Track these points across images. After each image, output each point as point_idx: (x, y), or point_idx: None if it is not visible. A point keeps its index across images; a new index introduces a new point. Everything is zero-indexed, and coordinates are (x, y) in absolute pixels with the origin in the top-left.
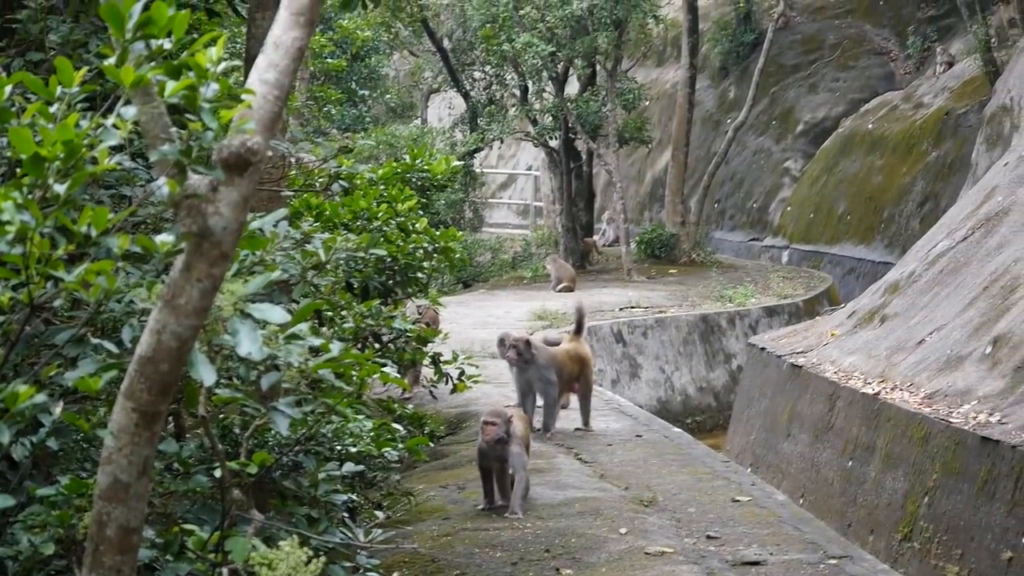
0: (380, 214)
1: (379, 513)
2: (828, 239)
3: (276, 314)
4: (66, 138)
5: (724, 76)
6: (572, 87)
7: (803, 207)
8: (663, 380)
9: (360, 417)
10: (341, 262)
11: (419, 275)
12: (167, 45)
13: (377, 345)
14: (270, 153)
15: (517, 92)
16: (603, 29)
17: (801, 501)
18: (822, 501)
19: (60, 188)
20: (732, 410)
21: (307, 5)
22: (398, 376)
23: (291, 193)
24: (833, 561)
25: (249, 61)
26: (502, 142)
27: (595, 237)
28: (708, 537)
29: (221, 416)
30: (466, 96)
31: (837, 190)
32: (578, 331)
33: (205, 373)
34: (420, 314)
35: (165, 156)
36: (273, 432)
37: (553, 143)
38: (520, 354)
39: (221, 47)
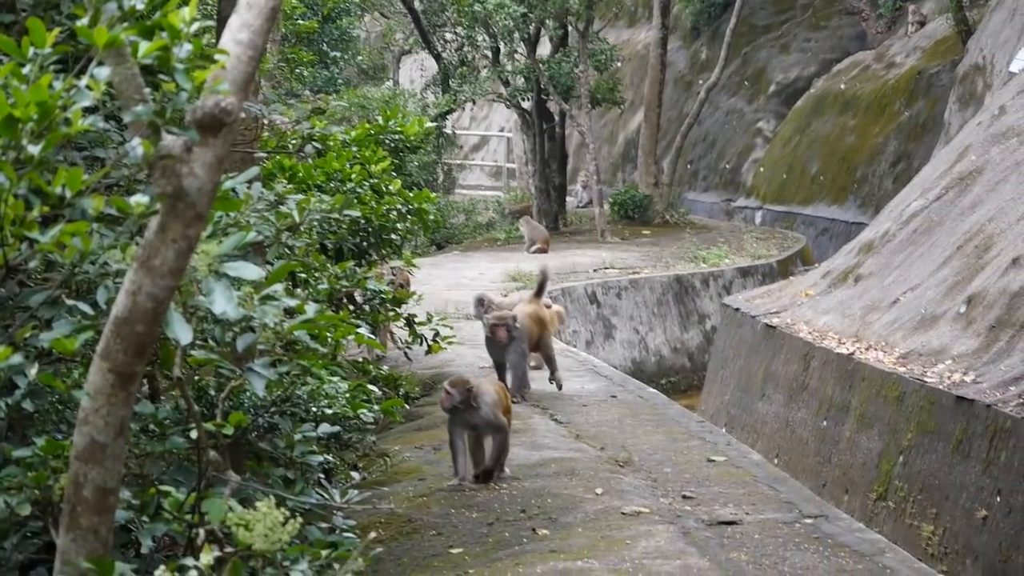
0: (353, 176)
1: (355, 474)
2: (801, 199)
3: (250, 271)
4: (39, 99)
5: (696, 37)
6: (544, 48)
7: (776, 168)
8: (637, 341)
9: (335, 379)
10: (315, 224)
11: (393, 237)
12: (140, 5)
13: (352, 306)
14: (243, 114)
15: (489, 53)
16: None
17: (776, 461)
18: (797, 461)
19: (34, 149)
20: (706, 370)
21: None
22: (372, 337)
23: (264, 155)
24: (808, 520)
25: (221, 22)
26: (474, 104)
27: (529, 206)
28: (684, 497)
29: (196, 378)
30: (438, 58)
31: (810, 150)
32: (538, 293)
33: (181, 332)
34: (393, 275)
35: (139, 117)
36: (249, 393)
37: (525, 104)
38: (509, 331)
39: (194, 7)
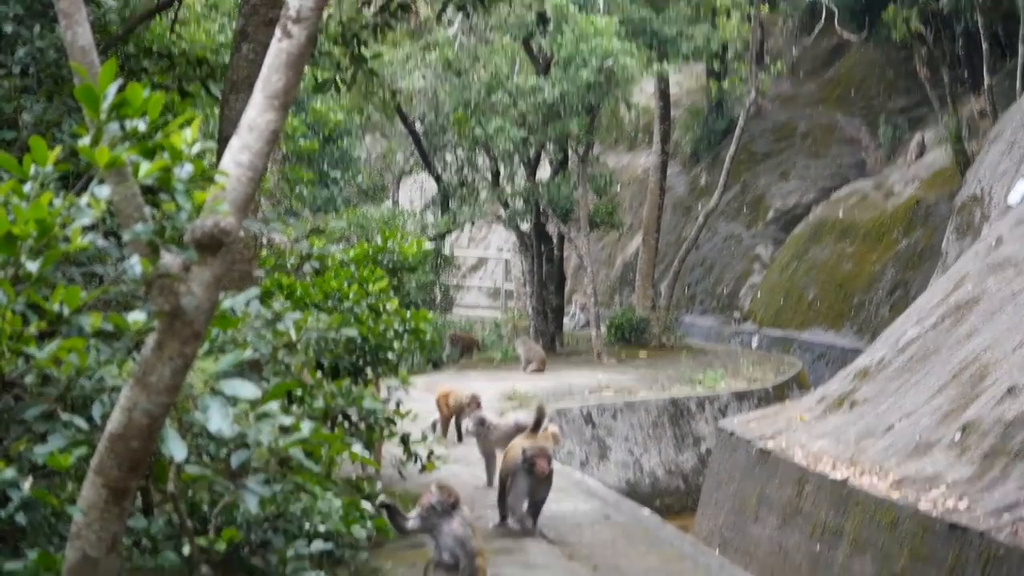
0: (351, 295)
1: None
2: (798, 324)
3: (247, 389)
4: (39, 216)
5: (696, 162)
6: (544, 171)
7: (773, 293)
8: (632, 462)
9: (329, 495)
10: (312, 341)
11: (389, 355)
12: (141, 126)
13: (347, 424)
14: (243, 233)
15: (489, 175)
16: (575, 115)
17: None
18: None
19: (32, 266)
20: (701, 493)
21: (282, 89)
22: (367, 455)
23: (262, 273)
24: None
25: (222, 142)
26: (473, 224)
27: (470, 337)
28: None
29: (190, 493)
30: (438, 179)
31: (807, 276)
32: (535, 428)
33: (176, 448)
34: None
35: (138, 236)
36: (242, 509)
37: (524, 226)
38: (549, 462)
39: (196, 129)
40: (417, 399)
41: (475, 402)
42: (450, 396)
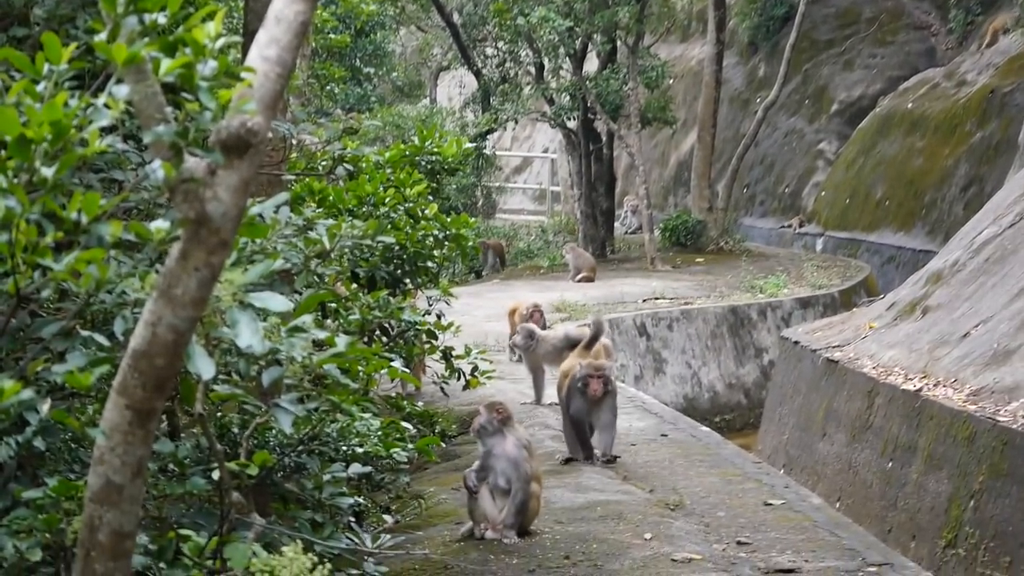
0: (387, 199)
1: (387, 517)
2: (865, 226)
3: (278, 302)
4: (54, 118)
5: (753, 52)
6: (591, 64)
7: (838, 192)
8: (690, 376)
9: (367, 415)
10: (346, 250)
11: (429, 264)
12: (162, 20)
13: (384, 338)
14: (271, 135)
15: (532, 70)
16: (624, 2)
17: (838, 505)
18: (860, 505)
19: (48, 171)
20: (764, 408)
21: None
22: (407, 371)
23: (292, 177)
24: (873, 569)
25: (248, 36)
26: (516, 123)
27: (498, 240)
28: (739, 543)
29: (219, 414)
30: (477, 74)
31: (875, 174)
32: (589, 344)
33: (203, 367)
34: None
35: (160, 138)
36: (274, 431)
37: (571, 124)
38: (606, 384)
39: (219, 22)
40: (460, 311)
41: (535, 312)
42: (520, 310)
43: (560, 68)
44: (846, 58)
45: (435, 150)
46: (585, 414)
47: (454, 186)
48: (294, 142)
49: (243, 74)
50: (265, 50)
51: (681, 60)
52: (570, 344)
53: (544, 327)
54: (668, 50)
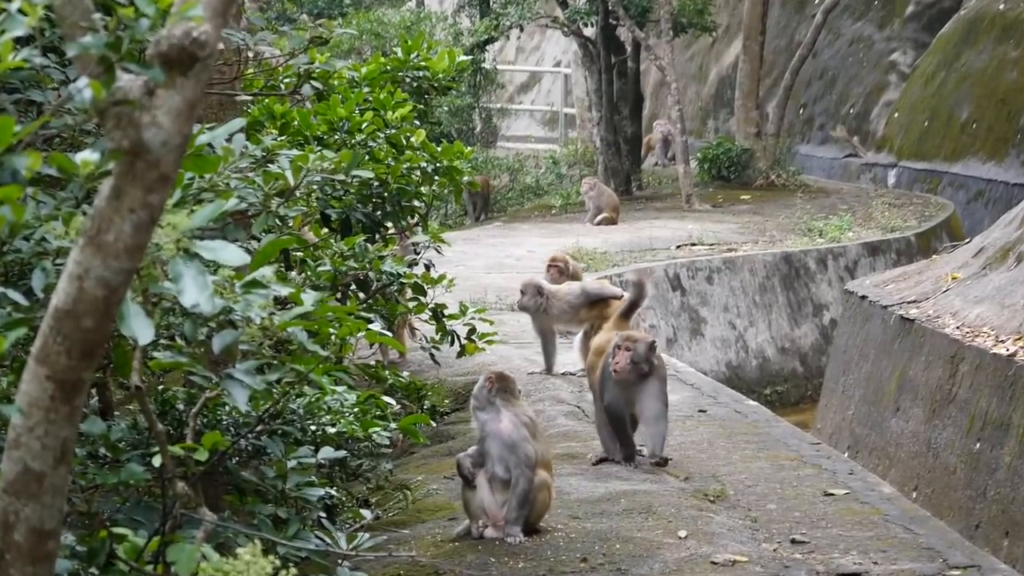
0: (364, 125)
1: (366, 513)
2: (948, 154)
3: (231, 251)
4: None
5: None
6: None
7: (915, 113)
8: (734, 339)
9: (340, 388)
10: (315, 188)
11: (416, 204)
12: None
13: (362, 294)
14: (221, 46)
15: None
16: None
17: (914, 494)
18: (941, 494)
19: None
20: (824, 377)
21: None
22: (389, 334)
23: (249, 98)
24: (956, 572)
25: None
26: (522, 30)
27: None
28: (793, 541)
29: (161, 387)
30: None
31: (959, 91)
32: (627, 313)
33: (140, 329)
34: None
35: (87, 50)
36: (228, 408)
37: (588, 32)
38: (644, 362)
39: None
40: (453, 261)
41: (556, 265)
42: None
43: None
44: None
45: (422, 64)
46: (624, 403)
47: (446, 108)
48: (250, 55)
49: None
50: None
51: None
52: (588, 301)
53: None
54: None
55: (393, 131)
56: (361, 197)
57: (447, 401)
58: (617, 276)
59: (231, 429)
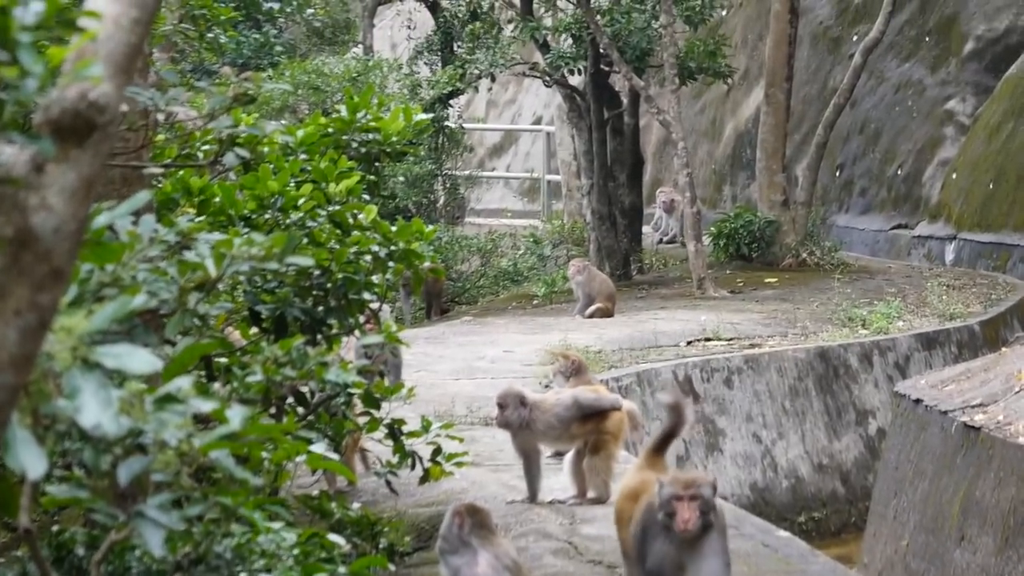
0: (302, 201)
1: None
2: (1019, 223)
3: (140, 361)
4: None
5: None
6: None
7: (977, 173)
8: (760, 455)
9: (277, 525)
10: (241, 279)
11: (366, 296)
12: None
13: (301, 409)
14: (125, 107)
15: (516, 1)
16: None
17: None
18: None
19: None
20: (871, 500)
21: None
22: (336, 459)
23: (160, 170)
24: None
25: None
26: (494, 81)
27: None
28: None
29: (56, 528)
30: (434, 7)
31: None
32: (662, 446)
33: (29, 460)
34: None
35: None
36: (139, 552)
37: (575, 80)
38: (706, 512)
39: None
40: (414, 365)
41: (569, 367)
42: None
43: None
44: None
45: (372, 125)
46: (674, 567)
47: (401, 178)
48: (160, 117)
49: (83, 21)
50: None
51: None
52: (582, 414)
53: (582, 378)
54: None
55: (337, 208)
56: (299, 290)
57: (408, 539)
58: (615, 381)
59: None
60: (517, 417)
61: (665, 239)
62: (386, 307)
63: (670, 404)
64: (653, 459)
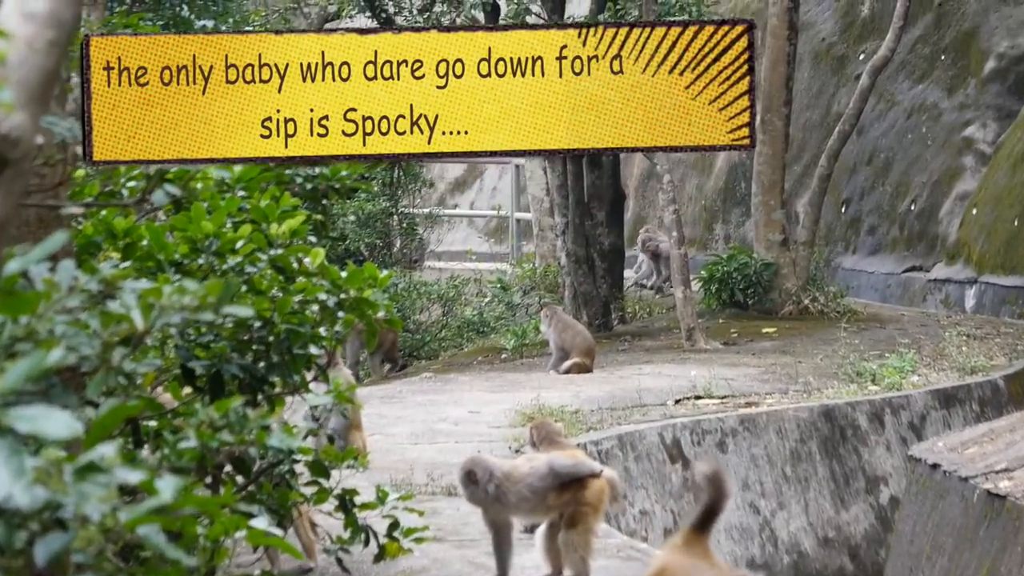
0: (240, 244)
1: None
2: None
3: (58, 425)
4: None
5: None
6: (578, 7)
7: (1001, 208)
8: (757, 527)
9: None
10: (173, 332)
11: (312, 351)
12: None
13: (240, 478)
14: (41, 140)
15: (481, 15)
16: None
17: None
18: None
19: None
20: None
21: None
22: (278, 535)
23: (80, 210)
24: None
25: None
26: None
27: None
28: None
29: None
30: (387, 23)
31: None
32: (704, 524)
33: None
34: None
35: None
36: None
37: None
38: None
39: None
40: (368, 427)
41: (540, 432)
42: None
43: (528, 10)
44: None
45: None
46: None
47: (352, 218)
48: (80, 151)
49: None
50: (27, 4)
51: None
52: (558, 483)
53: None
54: None
55: (280, 251)
56: (237, 344)
57: None
58: (594, 445)
59: None
60: (484, 493)
61: (648, 285)
62: (346, 369)
63: (708, 475)
64: (694, 538)
